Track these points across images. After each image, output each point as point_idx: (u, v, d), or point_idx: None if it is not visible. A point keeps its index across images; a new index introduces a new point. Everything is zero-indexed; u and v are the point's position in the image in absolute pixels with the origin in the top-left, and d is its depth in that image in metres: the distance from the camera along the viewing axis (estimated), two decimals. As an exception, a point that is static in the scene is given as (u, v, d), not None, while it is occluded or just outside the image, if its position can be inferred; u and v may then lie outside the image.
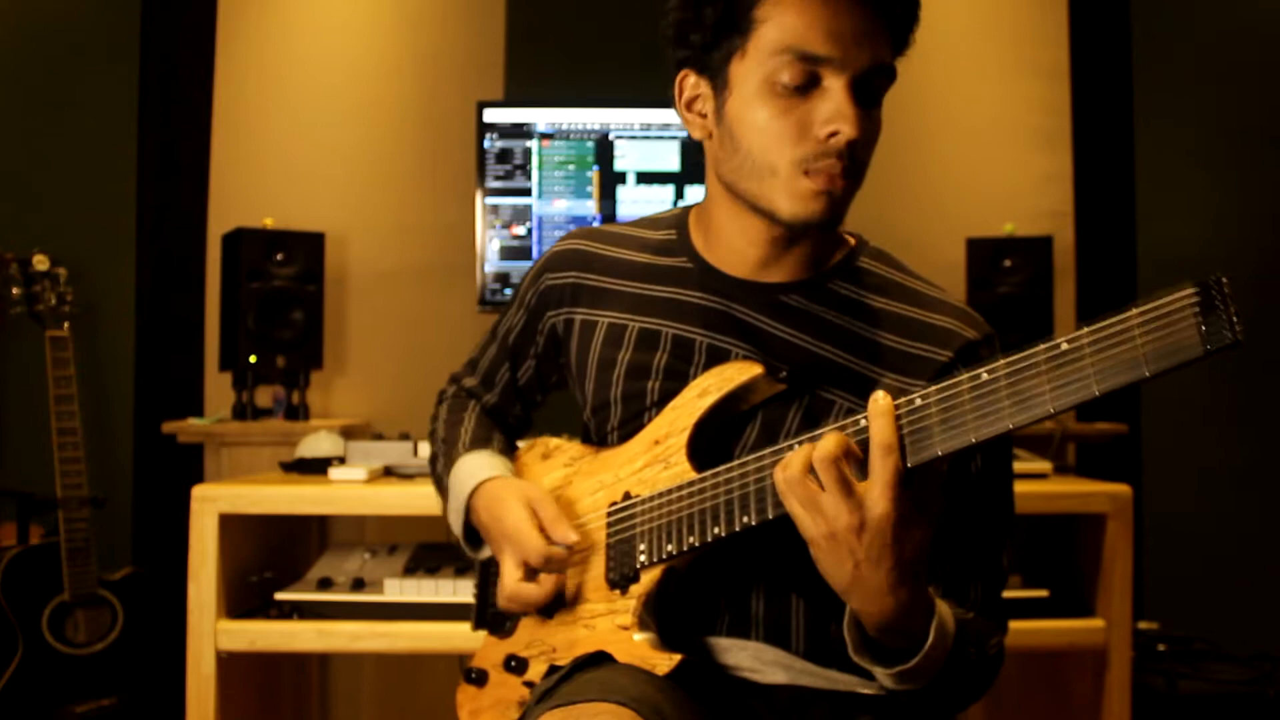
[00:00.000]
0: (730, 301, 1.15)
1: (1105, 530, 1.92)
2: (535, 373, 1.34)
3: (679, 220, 1.24)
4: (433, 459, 1.36)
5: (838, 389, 1.10)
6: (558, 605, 1.17)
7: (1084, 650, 1.94)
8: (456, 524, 1.25)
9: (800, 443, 0.97)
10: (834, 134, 1.02)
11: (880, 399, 0.89)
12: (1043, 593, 1.94)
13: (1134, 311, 0.78)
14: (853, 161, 1.04)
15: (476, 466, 1.24)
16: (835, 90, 1.02)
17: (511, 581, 1.13)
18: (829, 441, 0.90)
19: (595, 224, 2.89)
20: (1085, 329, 0.80)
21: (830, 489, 0.90)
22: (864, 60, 1.02)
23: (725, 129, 1.09)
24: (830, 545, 0.91)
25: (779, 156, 1.05)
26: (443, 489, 1.30)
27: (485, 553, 1.27)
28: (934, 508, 0.92)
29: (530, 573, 1.13)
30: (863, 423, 0.91)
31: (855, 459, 0.91)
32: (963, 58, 3.30)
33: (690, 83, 1.12)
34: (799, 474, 0.91)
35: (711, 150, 1.13)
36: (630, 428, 1.17)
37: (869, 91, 1.04)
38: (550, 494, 1.19)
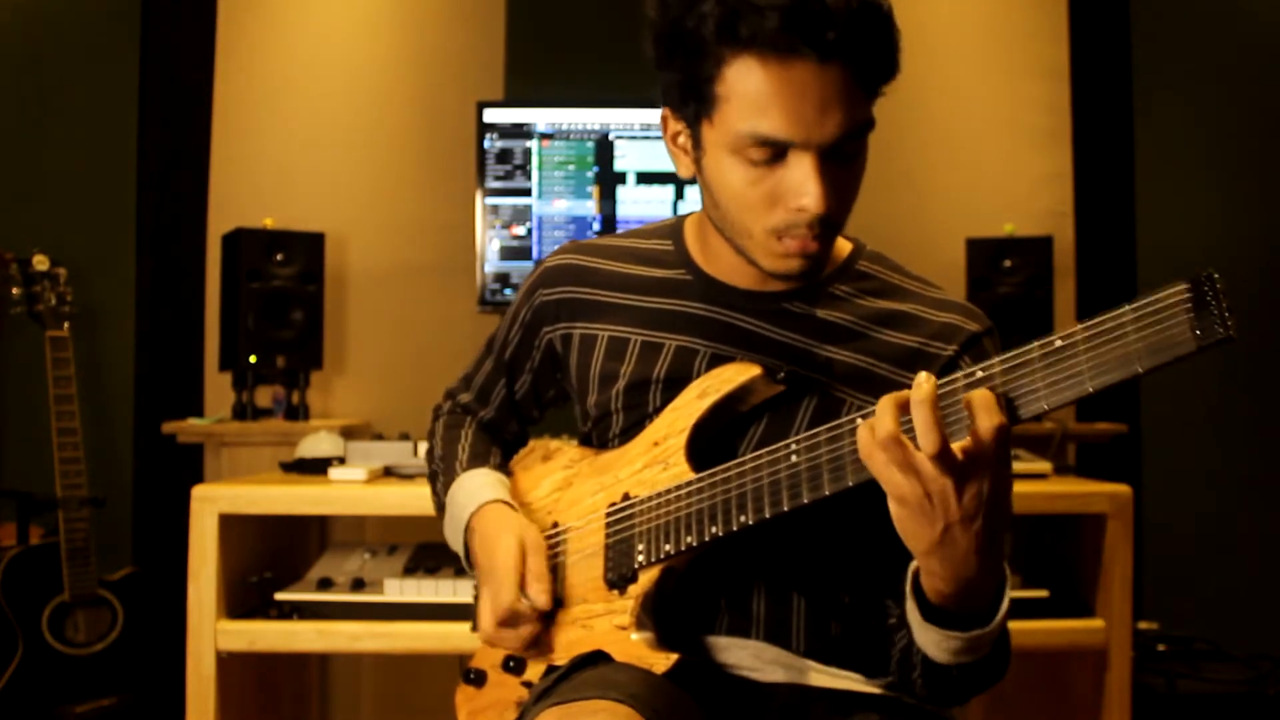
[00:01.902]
0: (732, 312, 1.16)
1: (1105, 530, 1.92)
2: (531, 387, 1.34)
3: (673, 231, 1.24)
4: (431, 476, 1.36)
5: (847, 387, 1.11)
6: (556, 606, 1.17)
7: (1084, 650, 1.94)
8: (457, 544, 1.26)
9: (798, 443, 0.97)
10: (802, 208, 1.01)
11: (924, 380, 0.85)
12: (1043, 593, 1.94)
13: (1127, 308, 0.79)
14: (825, 227, 1.03)
15: (477, 486, 1.24)
16: (802, 165, 1.00)
17: (487, 624, 1.14)
18: (926, 395, 0.84)
19: (595, 225, 2.89)
20: (1079, 326, 0.81)
21: (929, 445, 0.84)
22: (830, 133, 0.99)
23: (704, 181, 1.10)
24: (924, 505, 0.86)
25: (752, 222, 1.05)
26: (440, 506, 1.31)
27: None
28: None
29: (505, 620, 1.13)
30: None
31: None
32: (963, 58, 3.30)
33: (672, 121, 1.12)
34: (894, 432, 0.85)
35: (700, 188, 1.13)
36: (631, 435, 1.17)
37: (842, 154, 1.02)
38: (544, 543, 1.18)
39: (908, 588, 0.97)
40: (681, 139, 1.11)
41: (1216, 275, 0.75)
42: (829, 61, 0.97)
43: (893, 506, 0.88)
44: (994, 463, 0.85)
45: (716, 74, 1.01)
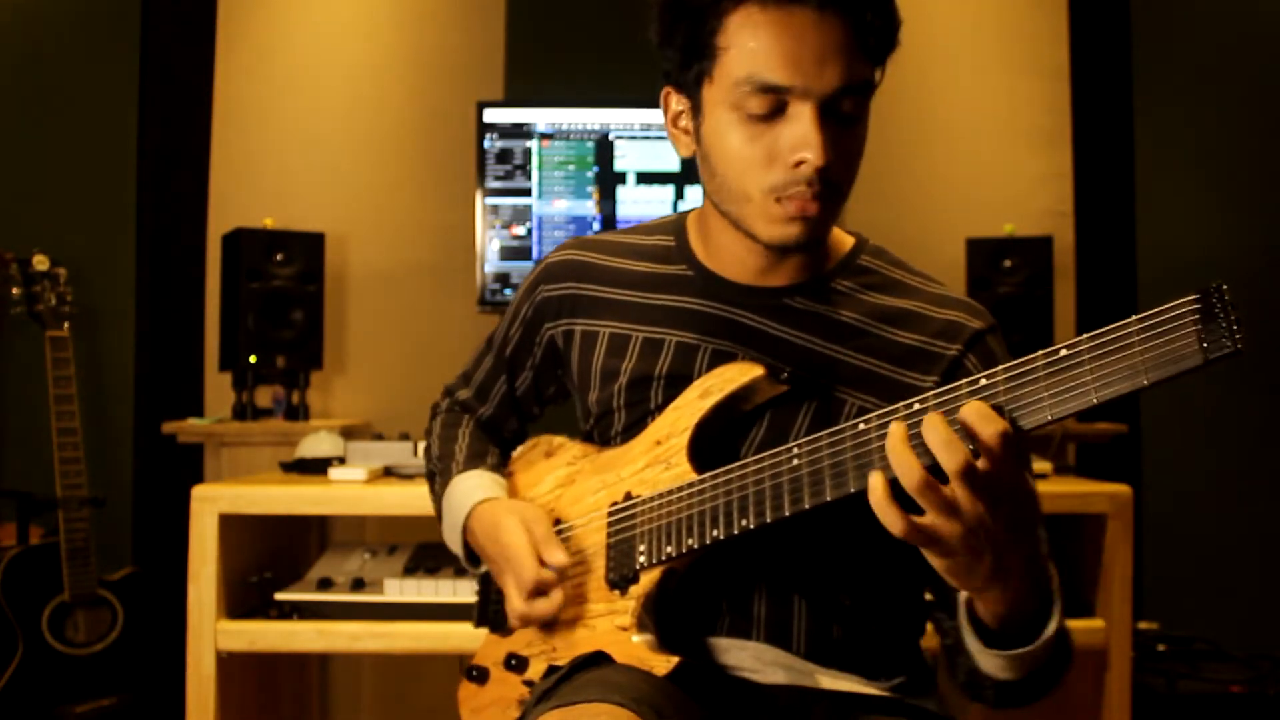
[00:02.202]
0: (733, 308, 1.15)
1: (1105, 530, 1.92)
2: (532, 384, 1.33)
3: (676, 227, 1.24)
4: (429, 476, 1.36)
5: (849, 388, 1.10)
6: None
7: (1084, 650, 1.94)
8: (455, 545, 1.26)
9: (800, 448, 0.97)
10: (802, 162, 1.01)
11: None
12: (1043, 593, 1.94)
13: (1133, 319, 0.78)
14: (826, 185, 1.02)
15: (471, 488, 1.24)
16: (801, 117, 1.00)
17: (519, 603, 1.13)
18: (939, 427, 0.82)
19: (595, 225, 2.89)
20: (1084, 336, 0.80)
21: (961, 481, 0.83)
22: (830, 83, 0.99)
23: (703, 151, 1.09)
24: (969, 543, 0.84)
25: (751, 184, 1.04)
26: (439, 509, 1.31)
27: (485, 567, 1.27)
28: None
29: (534, 591, 1.13)
30: (860, 426, 0.92)
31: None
32: (963, 58, 3.30)
33: (673, 99, 1.12)
34: (923, 480, 0.83)
35: (699, 167, 1.13)
36: (634, 433, 1.17)
37: (841, 111, 1.02)
38: (545, 512, 1.18)
39: (963, 619, 0.97)
40: (683, 120, 1.11)
41: (1225, 287, 0.74)
42: (828, 10, 0.98)
43: (938, 562, 0.87)
44: (1015, 471, 0.83)
45: (719, 25, 1.02)
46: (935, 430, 0.82)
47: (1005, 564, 0.87)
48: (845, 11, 0.99)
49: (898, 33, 1.04)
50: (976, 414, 0.82)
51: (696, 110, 1.08)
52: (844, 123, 1.03)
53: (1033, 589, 0.92)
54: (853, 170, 1.06)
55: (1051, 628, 0.94)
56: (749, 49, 1.00)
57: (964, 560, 0.86)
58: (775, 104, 1.01)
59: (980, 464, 0.82)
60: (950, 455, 0.82)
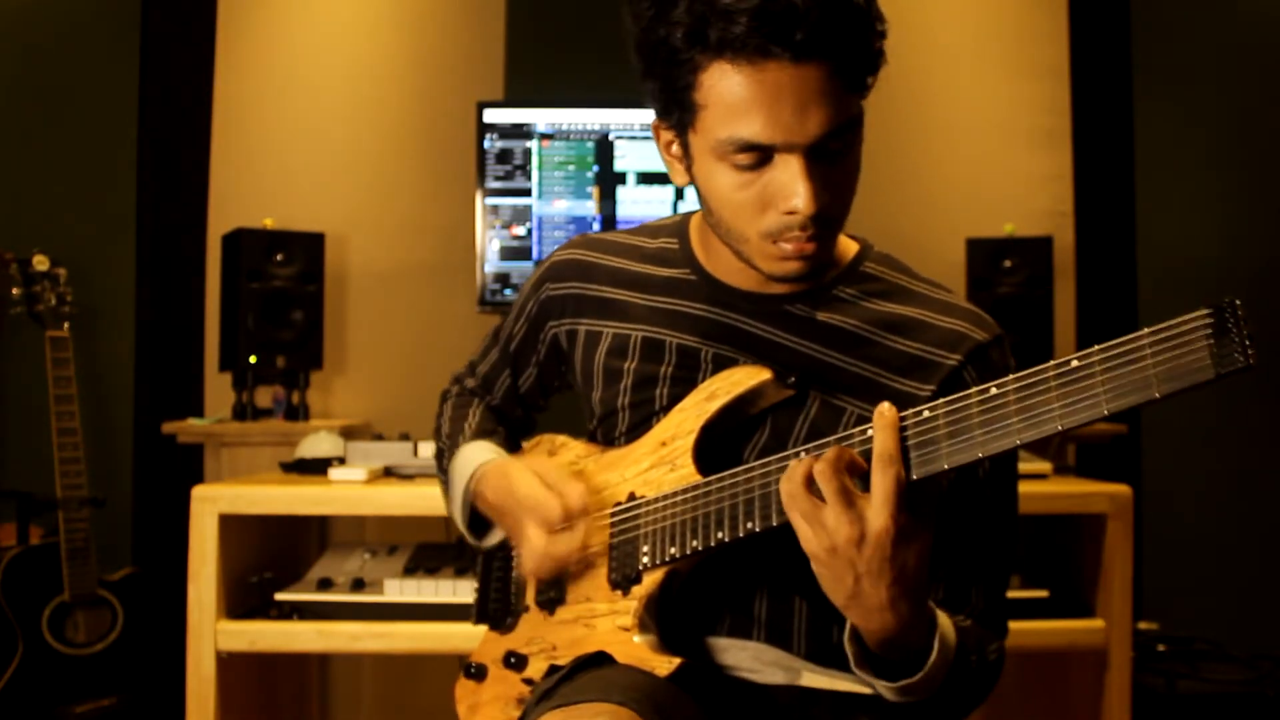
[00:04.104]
0: (735, 313, 1.15)
1: (1105, 530, 1.92)
2: (536, 380, 1.34)
3: (679, 229, 1.23)
4: (438, 454, 1.36)
5: (847, 395, 1.10)
6: (559, 602, 1.17)
7: (1084, 650, 1.94)
8: (459, 512, 1.25)
9: (806, 451, 0.98)
10: (794, 210, 1.00)
11: (885, 411, 0.89)
12: (1043, 593, 1.94)
13: (1145, 332, 0.79)
14: (821, 224, 1.02)
15: (478, 451, 1.25)
16: (789, 166, 0.98)
17: (539, 542, 1.11)
18: (829, 453, 0.90)
19: (595, 225, 2.89)
20: (1096, 347, 0.81)
21: (831, 501, 0.89)
22: (813, 132, 0.97)
23: (697, 188, 1.08)
24: (830, 559, 0.90)
25: (746, 227, 1.04)
26: (447, 481, 1.30)
27: (491, 538, 1.26)
28: (932, 522, 0.92)
29: (559, 527, 1.11)
30: (869, 433, 0.92)
31: (859, 471, 0.90)
32: (963, 58, 3.30)
33: (663, 131, 1.10)
34: (800, 486, 0.91)
35: (697, 196, 1.11)
36: (638, 433, 1.17)
37: (829, 151, 1.00)
38: (554, 466, 1.17)
39: (847, 634, 0.99)
40: (675, 148, 1.10)
41: (1239, 302, 0.75)
42: (803, 61, 0.95)
43: (814, 565, 0.93)
44: (894, 517, 0.88)
45: (693, 81, 0.99)
46: (820, 466, 0.90)
47: (864, 590, 0.91)
48: (823, 56, 0.95)
49: (882, 55, 1.01)
50: (876, 458, 0.89)
51: (685, 150, 1.07)
52: (834, 159, 1.01)
53: (904, 633, 0.94)
54: (848, 199, 1.05)
55: (920, 675, 0.95)
56: (726, 107, 0.97)
57: (825, 574, 0.92)
58: (761, 157, 0.99)
59: (862, 499, 0.89)
60: (825, 486, 0.90)
